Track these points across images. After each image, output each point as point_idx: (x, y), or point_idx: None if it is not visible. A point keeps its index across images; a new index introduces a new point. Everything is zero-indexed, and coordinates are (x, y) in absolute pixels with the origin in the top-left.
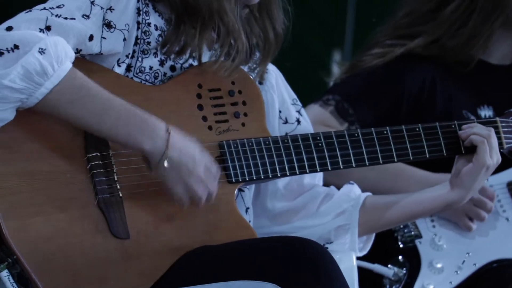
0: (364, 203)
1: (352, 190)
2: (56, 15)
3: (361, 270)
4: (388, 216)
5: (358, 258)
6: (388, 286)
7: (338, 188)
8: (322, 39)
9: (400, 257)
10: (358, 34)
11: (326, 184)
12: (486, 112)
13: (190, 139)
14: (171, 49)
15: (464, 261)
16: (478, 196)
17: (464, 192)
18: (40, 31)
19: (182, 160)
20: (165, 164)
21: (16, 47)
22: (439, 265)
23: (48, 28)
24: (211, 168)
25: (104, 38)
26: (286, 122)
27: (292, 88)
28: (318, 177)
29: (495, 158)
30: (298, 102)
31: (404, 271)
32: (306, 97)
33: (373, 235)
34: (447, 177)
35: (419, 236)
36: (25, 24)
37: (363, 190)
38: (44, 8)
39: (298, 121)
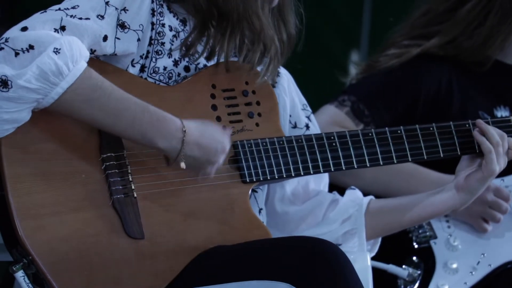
0: (368, 207)
1: (356, 195)
2: (71, 16)
3: (375, 270)
4: (394, 220)
5: (373, 259)
6: (402, 287)
7: (343, 186)
8: (339, 39)
9: (414, 258)
10: (375, 34)
11: (336, 184)
12: (502, 113)
13: (208, 128)
14: (195, 52)
15: (479, 262)
16: (493, 198)
17: (469, 197)
18: (55, 31)
19: (201, 155)
20: (182, 162)
21: (31, 47)
22: (454, 266)
23: (63, 28)
24: (227, 151)
25: (118, 38)
26: (295, 126)
27: (310, 89)
28: (324, 183)
29: (502, 164)
30: (308, 108)
31: (419, 272)
32: (324, 97)
33: (380, 238)
34: None
35: (434, 236)
36: (40, 25)
37: (376, 192)
38: (59, 9)
39: (307, 127)
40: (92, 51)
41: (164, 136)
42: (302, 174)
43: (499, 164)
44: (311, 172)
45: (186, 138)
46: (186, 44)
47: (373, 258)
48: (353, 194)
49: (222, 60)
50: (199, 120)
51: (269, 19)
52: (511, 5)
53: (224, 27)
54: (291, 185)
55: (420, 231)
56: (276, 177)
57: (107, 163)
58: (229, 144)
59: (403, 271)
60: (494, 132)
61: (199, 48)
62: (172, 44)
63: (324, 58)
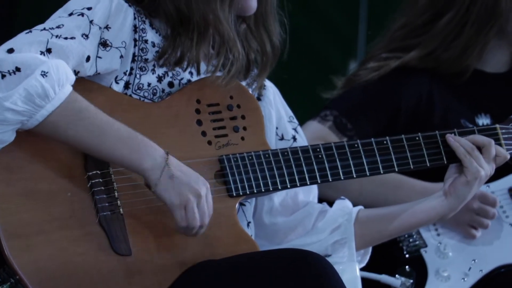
0: (358, 216)
1: (345, 205)
2: (57, 36)
3: (368, 281)
4: (384, 229)
5: (365, 269)
6: None
7: (332, 199)
8: (337, 50)
9: (406, 267)
10: (372, 44)
11: (324, 197)
12: (483, 121)
13: (189, 167)
14: (168, 60)
15: (470, 268)
16: (479, 205)
17: (457, 202)
18: (41, 54)
19: (183, 179)
20: (167, 180)
21: (18, 69)
22: (445, 273)
23: (49, 50)
24: (210, 199)
25: (100, 57)
26: (282, 138)
27: (309, 100)
28: (313, 194)
29: (488, 169)
30: (295, 120)
31: (412, 281)
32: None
33: (370, 248)
34: None
35: (424, 245)
36: (26, 47)
37: (363, 204)
38: (44, 29)
39: (294, 138)
40: (76, 73)
41: (149, 155)
42: (288, 186)
43: (483, 168)
44: (298, 185)
45: (169, 160)
46: (160, 52)
47: (365, 269)
48: (342, 204)
49: (191, 67)
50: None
51: (231, 23)
52: (487, 16)
53: (191, 32)
54: (280, 196)
55: (410, 241)
56: (263, 190)
57: (93, 181)
58: (208, 185)
59: (396, 281)
60: (463, 140)
61: (173, 55)
62: (155, 60)
63: (323, 69)
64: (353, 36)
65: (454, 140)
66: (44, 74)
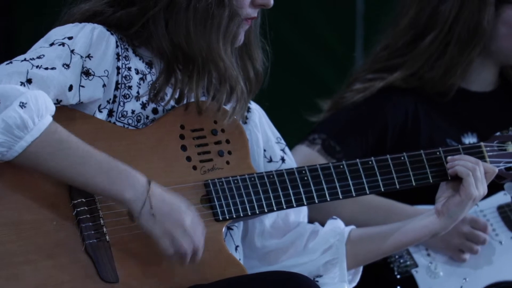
0: (350, 236)
1: (337, 225)
2: (37, 66)
3: None
4: (376, 248)
5: None
6: None
7: (323, 225)
8: (333, 71)
9: None
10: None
11: (311, 221)
12: (470, 140)
13: (175, 194)
14: (164, 96)
15: (461, 287)
16: (469, 230)
17: (450, 222)
18: (21, 85)
19: (165, 209)
20: (148, 213)
21: None
22: None
23: (29, 81)
24: (199, 223)
25: (83, 86)
26: (270, 160)
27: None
28: (303, 214)
29: (482, 190)
30: (282, 141)
31: None
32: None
33: (361, 267)
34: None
35: (414, 265)
36: (5, 78)
37: None
38: (25, 59)
39: (283, 160)
40: (58, 101)
41: (131, 186)
42: (275, 209)
43: (478, 189)
44: (284, 207)
45: (151, 190)
46: (154, 89)
47: None
48: (334, 224)
49: (191, 101)
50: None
51: (232, 60)
52: (469, 36)
53: (191, 70)
54: (270, 219)
55: (401, 261)
56: (249, 213)
57: (78, 209)
58: (193, 208)
59: None
60: (468, 158)
61: (168, 91)
62: (139, 87)
63: (319, 89)
64: (349, 59)
65: (458, 158)
66: (22, 105)
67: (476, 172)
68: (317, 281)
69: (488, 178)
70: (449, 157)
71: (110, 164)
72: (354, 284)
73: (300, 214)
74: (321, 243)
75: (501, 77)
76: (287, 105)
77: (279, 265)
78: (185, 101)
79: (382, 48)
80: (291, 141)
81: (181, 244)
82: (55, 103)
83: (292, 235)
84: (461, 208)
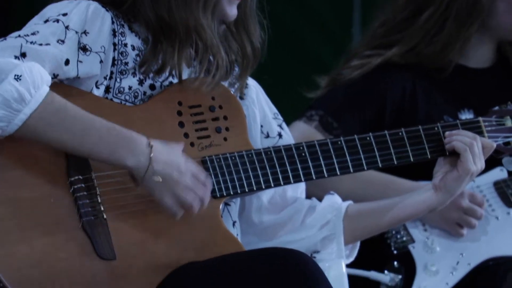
0: (347, 211)
1: (334, 200)
2: (31, 42)
3: (357, 278)
4: (373, 223)
5: (354, 266)
6: None
7: (320, 200)
8: (330, 49)
9: (395, 263)
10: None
11: (309, 197)
12: (467, 116)
13: (174, 149)
14: (149, 68)
15: (458, 262)
16: (468, 204)
17: (447, 196)
18: (15, 58)
19: (167, 172)
20: (153, 178)
21: None
22: (434, 268)
23: (23, 54)
24: (199, 175)
25: (81, 61)
26: (268, 136)
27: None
28: (301, 190)
29: (479, 165)
30: (279, 116)
31: (400, 276)
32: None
33: (358, 242)
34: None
35: (411, 241)
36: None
37: None
38: (19, 36)
39: (280, 135)
40: (54, 76)
41: (132, 153)
42: (272, 186)
43: (476, 164)
44: (282, 184)
45: (153, 154)
46: (141, 58)
47: (354, 266)
48: (332, 199)
49: (174, 73)
50: (164, 141)
51: (214, 30)
52: (467, 12)
53: (173, 40)
54: (268, 194)
55: (397, 237)
56: (247, 190)
57: (75, 186)
58: (193, 161)
59: (385, 277)
60: (465, 133)
61: (154, 63)
62: (136, 63)
63: (317, 67)
64: (346, 36)
65: (456, 133)
66: (18, 78)
67: (473, 147)
68: (315, 257)
69: (486, 153)
70: (446, 133)
71: (110, 131)
72: (352, 259)
73: (298, 189)
74: (318, 218)
75: (498, 53)
76: (285, 82)
77: (276, 241)
78: (167, 72)
79: (379, 24)
80: (289, 118)
81: (185, 200)
82: (52, 78)
83: (289, 210)
84: (458, 183)
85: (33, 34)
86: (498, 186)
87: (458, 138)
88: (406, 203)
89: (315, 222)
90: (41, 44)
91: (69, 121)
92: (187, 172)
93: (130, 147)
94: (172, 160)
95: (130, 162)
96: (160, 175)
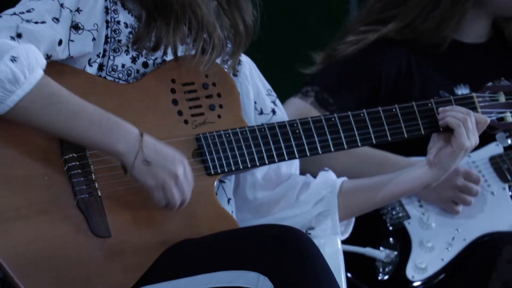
0: (341, 188)
1: (328, 177)
2: (27, 20)
3: (353, 255)
4: (367, 199)
5: (349, 243)
6: (381, 269)
7: (315, 177)
8: (327, 24)
9: (390, 239)
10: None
11: (304, 174)
12: (463, 91)
13: (167, 145)
14: (143, 45)
15: (454, 238)
16: (463, 182)
17: (442, 172)
18: (11, 39)
19: (158, 161)
20: (141, 164)
21: None
22: (429, 244)
23: (19, 35)
24: (189, 174)
25: (72, 40)
26: (261, 113)
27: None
28: (295, 166)
29: (473, 140)
30: (273, 93)
31: (396, 253)
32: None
33: (353, 219)
34: None
35: (407, 217)
36: None
37: None
38: (14, 13)
39: (274, 112)
40: (48, 57)
41: (123, 138)
42: (266, 163)
43: (470, 140)
44: (276, 161)
45: (144, 141)
46: (135, 36)
47: (349, 243)
48: (326, 176)
49: (169, 51)
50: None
51: (209, 7)
52: None
53: (168, 17)
54: (262, 171)
55: (393, 213)
56: (241, 167)
57: (70, 164)
58: (186, 159)
59: (380, 253)
60: (459, 109)
61: (148, 40)
62: (129, 41)
63: (314, 44)
64: (342, 12)
65: (449, 109)
66: (13, 59)
67: (467, 122)
68: (309, 234)
69: (480, 128)
70: (440, 109)
71: (102, 117)
72: (347, 235)
73: (292, 166)
74: (312, 195)
75: (494, 29)
76: (280, 58)
77: (271, 218)
78: (162, 49)
79: (376, 0)
80: (284, 94)
81: (173, 196)
82: (45, 58)
83: (283, 187)
84: (453, 158)
85: (28, 11)
86: (494, 161)
87: (451, 114)
88: (401, 179)
89: (310, 198)
90: (36, 22)
91: (62, 106)
92: (180, 164)
93: (121, 133)
94: (165, 151)
95: (121, 148)
96: (151, 162)
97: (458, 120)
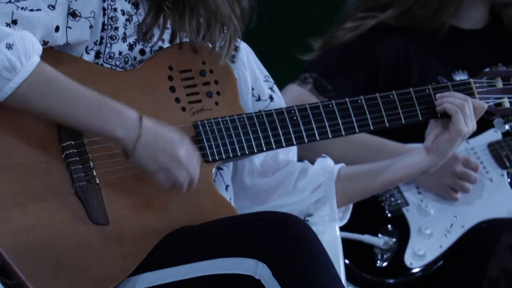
0: (339, 174)
1: (326, 163)
2: (22, 8)
3: (351, 242)
4: (365, 186)
5: (347, 230)
6: (379, 255)
7: (313, 163)
8: (325, 11)
9: (389, 226)
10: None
11: (301, 160)
12: (461, 77)
13: (167, 126)
14: (152, 36)
15: (452, 225)
16: (462, 169)
17: (439, 158)
18: (6, 26)
19: (158, 144)
20: (141, 149)
21: None
22: (428, 231)
23: (14, 22)
24: (193, 153)
25: (70, 27)
26: (259, 99)
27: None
28: (292, 152)
29: (471, 126)
30: (271, 79)
31: (394, 239)
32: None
33: (351, 205)
34: None
35: (405, 203)
36: None
37: None
38: (9, 1)
39: (271, 98)
40: (45, 43)
41: (122, 124)
42: (264, 150)
43: (467, 126)
44: (274, 147)
45: (143, 126)
46: (142, 28)
47: (347, 230)
48: (324, 162)
49: (166, 37)
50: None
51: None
52: None
53: (181, 9)
54: (260, 158)
55: (391, 200)
56: (239, 154)
57: (67, 152)
58: (187, 139)
59: (379, 240)
60: (456, 95)
61: (156, 31)
62: (126, 28)
63: (309, 27)
64: None
65: (447, 94)
66: (9, 47)
67: (464, 108)
68: (308, 220)
69: (478, 114)
70: (437, 95)
71: (100, 103)
72: (345, 221)
73: (290, 152)
74: (310, 181)
75: (492, 14)
76: (278, 45)
77: (269, 205)
78: (177, 41)
79: None
80: (282, 81)
81: (177, 177)
82: (42, 45)
83: (281, 173)
84: (450, 145)
85: None
86: (492, 147)
87: (449, 100)
88: (398, 165)
89: (308, 185)
90: (32, 10)
91: (59, 92)
92: (181, 146)
93: (120, 118)
94: (165, 134)
95: (120, 133)
96: (150, 146)
97: (456, 106)
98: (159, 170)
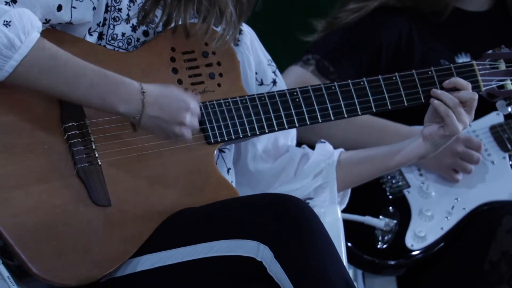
0: (339, 159)
1: (326, 149)
2: None
3: (352, 223)
4: (364, 171)
5: (349, 212)
6: (380, 237)
7: (314, 144)
8: None
9: (390, 208)
10: None
11: (305, 142)
12: (464, 60)
13: (168, 89)
14: (153, 19)
15: (453, 207)
16: (463, 149)
17: (433, 148)
18: (5, 4)
19: (164, 114)
20: (147, 121)
21: None
22: (429, 213)
23: (14, 1)
24: (194, 109)
25: (74, 7)
26: (262, 83)
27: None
28: (291, 137)
29: (467, 120)
30: (273, 63)
31: (395, 221)
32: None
33: (349, 190)
34: None
35: (406, 185)
36: None
37: (347, 149)
38: None
39: (274, 82)
40: (46, 21)
41: (124, 100)
42: (266, 131)
43: (462, 122)
44: (276, 129)
45: (145, 99)
46: (143, 11)
47: (349, 211)
48: (324, 148)
49: (179, 23)
50: (159, 83)
51: None
52: None
53: None
54: (262, 143)
55: (393, 182)
56: (241, 136)
57: (70, 133)
58: (193, 102)
59: (380, 222)
60: (448, 95)
61: (158, 13)
62: (129, 10)
63: (311, 8)
64: None
65: (438, 96)
66: (7, 24)
67: (457, 108)
68: (308, 203)
69: (471, 104)
70: (432, 90)
71: (101, 78)
72: (344, 206)
73: (288, 136)
74: (312, 168)
75: None
76: (281, 26)
77: (271, 191)
78: (173, 24)
79: None
80: (285, 62)
81: (184, 137)
82: (44, 23)
83: (283, 160)
84: (444, 140)
85: None
86: (494, 130)
87: (440, 104)
88: (396, 151)
89: (309, 171)
90: None
91: (61, 68)
92: (186, 112)
93: (122, 93)
94: (168, 102)
95: (123, 109)
96: (156, 119)
97: (446, 108)
98: (167, 137)
